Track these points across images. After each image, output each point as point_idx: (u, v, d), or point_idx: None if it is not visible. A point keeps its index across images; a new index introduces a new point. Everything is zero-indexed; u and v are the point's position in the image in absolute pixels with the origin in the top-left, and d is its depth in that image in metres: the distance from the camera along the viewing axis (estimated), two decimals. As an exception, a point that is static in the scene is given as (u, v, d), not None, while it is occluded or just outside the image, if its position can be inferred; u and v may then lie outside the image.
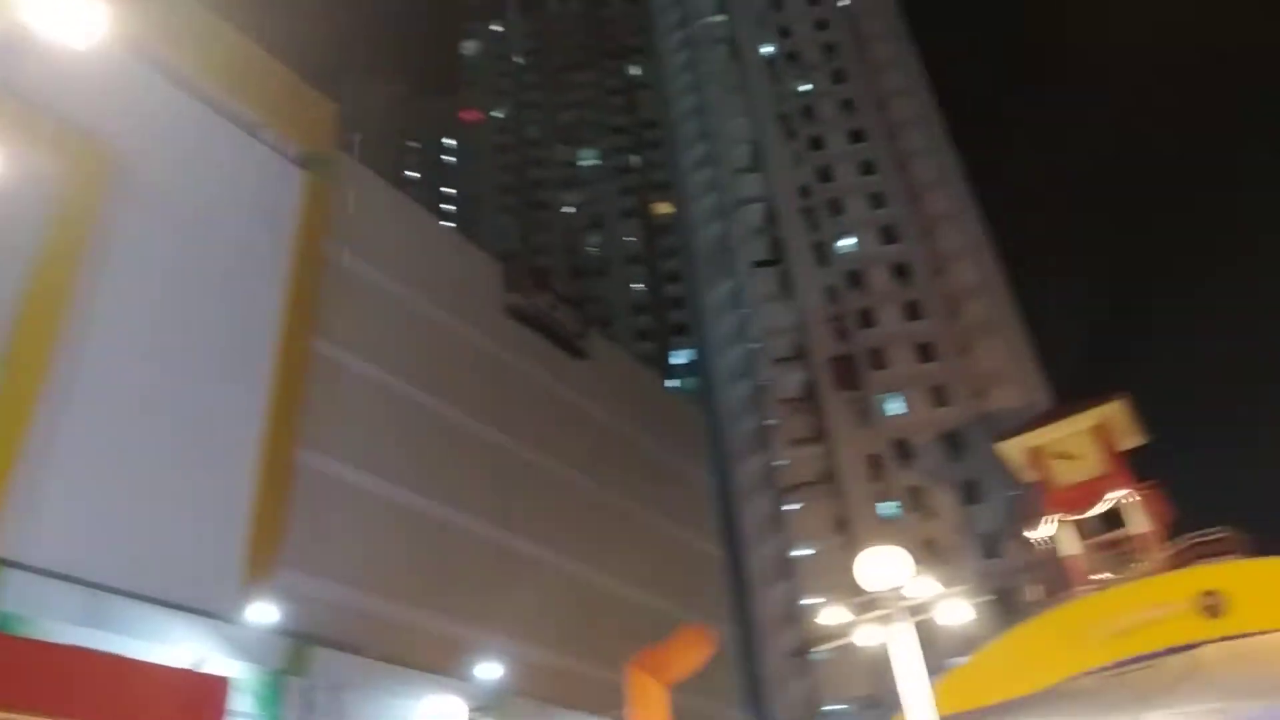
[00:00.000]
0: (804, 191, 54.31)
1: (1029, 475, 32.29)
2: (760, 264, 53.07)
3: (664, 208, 79.73)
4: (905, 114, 56.00)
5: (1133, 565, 27.58)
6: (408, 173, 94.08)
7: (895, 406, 46.15)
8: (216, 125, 29.47)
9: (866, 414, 46.10)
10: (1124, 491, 28.95)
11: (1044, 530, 29.42)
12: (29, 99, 23.06)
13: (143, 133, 26.56)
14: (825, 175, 54.51)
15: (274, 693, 21.61)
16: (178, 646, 20.18)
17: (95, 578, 20.29)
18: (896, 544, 15.71)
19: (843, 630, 15.50)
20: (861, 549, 16.04)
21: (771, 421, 48.12)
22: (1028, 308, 49.00)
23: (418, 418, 33.03)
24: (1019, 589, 35.86)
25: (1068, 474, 30.28)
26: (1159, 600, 24.48)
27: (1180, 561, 26.23)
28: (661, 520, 43.83)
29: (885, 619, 15.10)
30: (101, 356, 23.40)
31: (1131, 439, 31.62)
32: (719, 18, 64.30)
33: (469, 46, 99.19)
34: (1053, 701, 23.36)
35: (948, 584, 15.46)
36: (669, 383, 60.95)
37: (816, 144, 55.86)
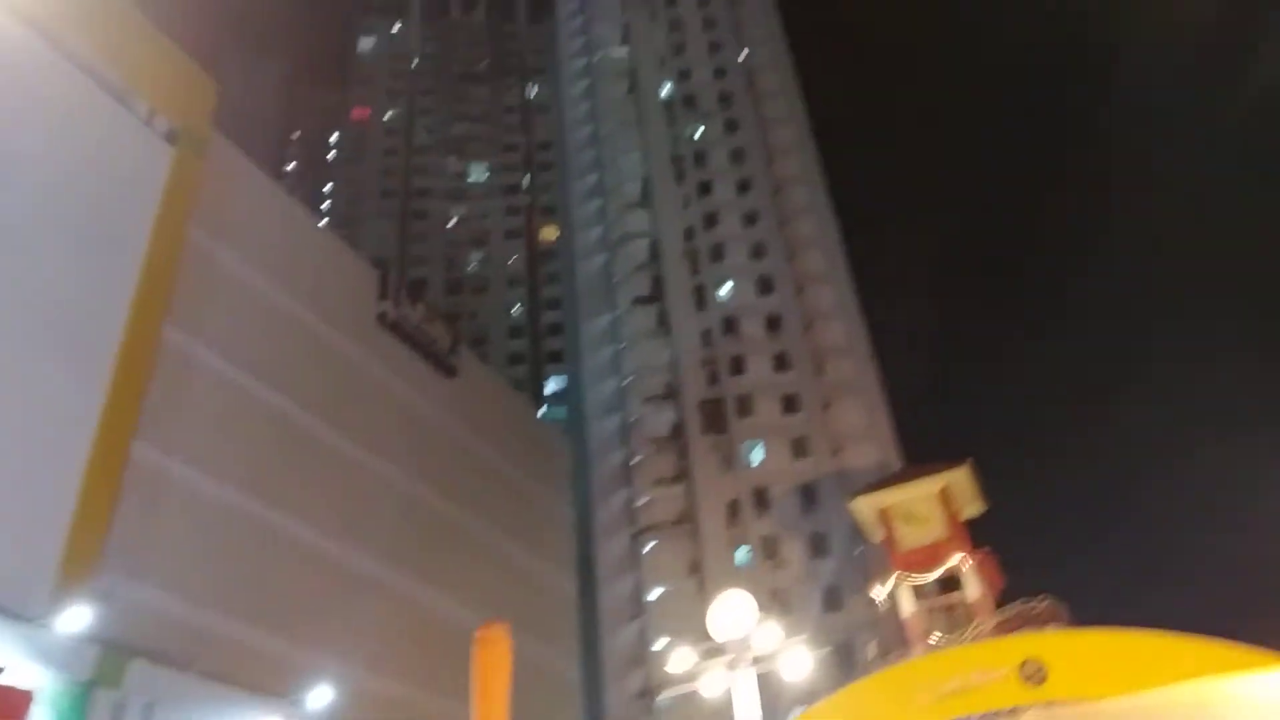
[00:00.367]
0: (689, 234, 55.20)
1: (877, 534, 33.50)
2: (640, 300, 53.46)
3: (550, 232, 79.43)
4: (791, 171, 57.91)
5: (964, 630, 28.89)
6: (288, 166, 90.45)
7: (758, 455, 47.07)
8: (84, 87, 27.48)
9: (730, 459, 46.82)
10: (961, 556, 30.40)
11: (886, 589, 30.48)
12: None
13: (1, 87, 24.45)
14: (711, 220, 55.58)
15: (79, 706, 19.81)
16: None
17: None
18: (746, 591, 15.88)
19: (689, 675, 15.49)
20: (712, 593, 16.12)
21: (637, 458, 48.23)
22: (888, 369, 51.20)
23: (270, 421, 31.40)
24: (859, 644, 36.95)
25: (913, 536, 31.57)
26: (985, 665, 25.70)
27: (1006, 629, 27.66)
28: (518, 550, 43.09)
29: (731, 664, 15.17)
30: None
31: (973, 506, 33.32)
32: (621, 51, 64.99)
33: (366, 43, 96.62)
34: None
35: (791, 634, 15.70)
36: (539, 410, 60.36)
37: (705, 188, 56.96)
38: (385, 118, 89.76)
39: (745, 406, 48.26)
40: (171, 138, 30.14)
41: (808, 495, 45.49)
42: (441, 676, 31.97)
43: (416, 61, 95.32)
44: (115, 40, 28.75)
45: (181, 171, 29.79)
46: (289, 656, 27.83)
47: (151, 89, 29.83)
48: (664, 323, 52.24)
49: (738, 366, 49.79)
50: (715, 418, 47.93)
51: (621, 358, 52.35)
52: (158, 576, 25.19)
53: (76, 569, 22.73)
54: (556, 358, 70.57)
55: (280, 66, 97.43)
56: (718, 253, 54.30)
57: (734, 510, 45.44)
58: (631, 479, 48.12)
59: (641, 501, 47.14)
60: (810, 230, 55.47)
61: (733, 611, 15.05)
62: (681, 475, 47.08)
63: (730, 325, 51.49)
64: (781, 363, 50.00)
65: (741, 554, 44.40)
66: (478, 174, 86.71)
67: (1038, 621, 27.71)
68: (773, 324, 51.56)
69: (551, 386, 69.87)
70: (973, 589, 29.92)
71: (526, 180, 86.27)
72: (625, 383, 51.19)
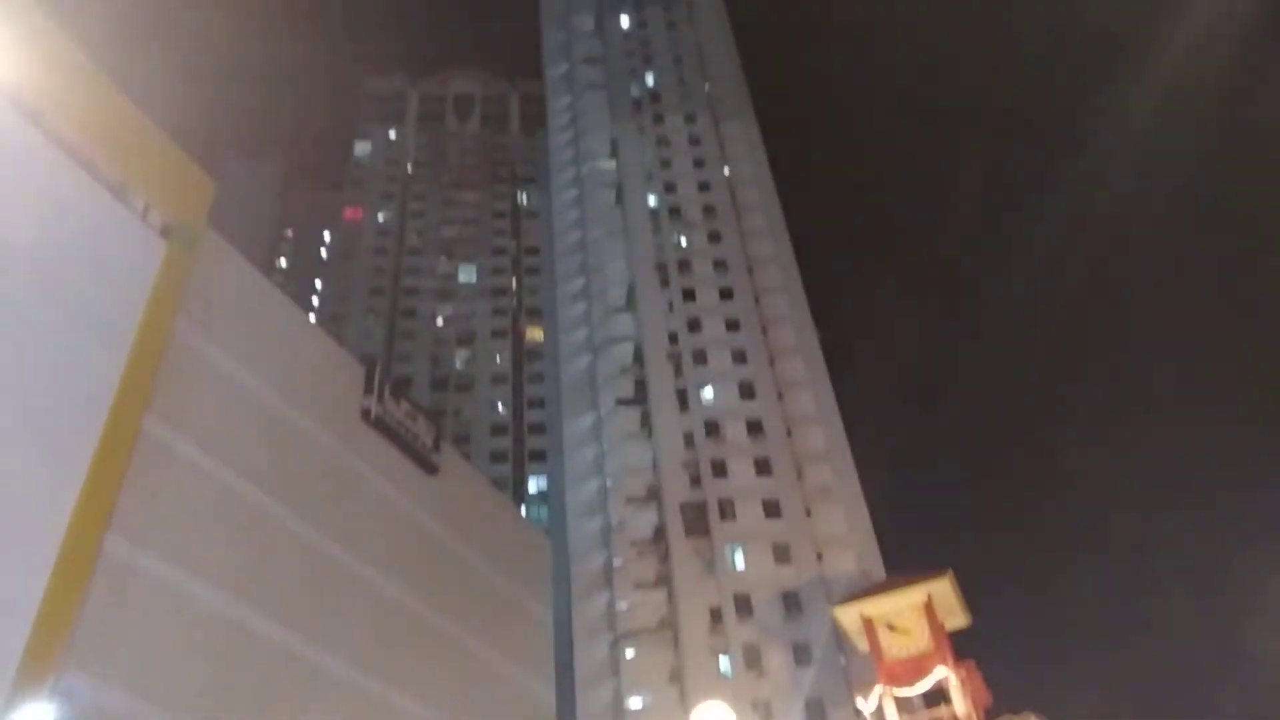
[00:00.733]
0: (673, 338, 55.99)
1: (861, 644, 32.94)
2: (623, 402, 53.70)
3: (535, 333, 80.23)
4: (771, 281, 59.33)
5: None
6: (280, 262, 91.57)
7: (740, 559, 46.55)
8: (80, 179, 27.96)
9: (712, 564, 46.27)
10: (945, 670, 29.89)
11: (872, 702, 29.85)
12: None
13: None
14: (694, 326, 56.49)
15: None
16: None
17: None
18: (727, 702, 15.59)
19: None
20: (693, 703, 15.79)
21: (618, 562, 47.57)
22: (868, 476, 51.22)
23: (247, 516, 30.83)
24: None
25: (898, 647, 31.09)
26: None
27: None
28: (493, 654, 41.82)
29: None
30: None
31: (958, 617, 32.91)
32: (609, 164, 67.12)
33: (362, 147, 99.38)
34: None
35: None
36: (521, 510, 59.66)
37: (689, 295, 58.12)
38: (378, 219, 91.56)
39: (727, 510, 48.01)
40: (166, 232, 30.53)
41: (790, 602, 44.86)
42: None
43: (411, 167, 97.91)
44: (114, 134, 29.35)
45: (173, 265, 30.05)
46: (251, 764, 26.66)
47: (148, 184, 30.28)
48: (646, 425, 52.40)
49: (720, 470, 49.76)
50: (697, 521, 47.60)
51: (604, 459, 52.23)
52: (122, 677, 24.28)
53: (37, 667, 21.92)
54: (539, 457, 70.29)
55: (278, 166, 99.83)
56: (700, 357, 54.97)
57: (716, 617, 44.65)
58: (612, 582, 47.35)
59: (622, 606, 46.28)
60: (788, 338, 56.51)
61: (714, 725, 14.67)
62: (663, 580, 46.42)
63: (712, 429, 51.68)
64: (763, 467, 50.06)
65: (724, 662, 43.41)
66: (467, 275, 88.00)
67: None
68: (754, 428, 51.80)
69: (534, 486, 69.32)
70: (959, 704, 29.33)
71: (514, 283, 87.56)
72: (607, 484, 50.93)
